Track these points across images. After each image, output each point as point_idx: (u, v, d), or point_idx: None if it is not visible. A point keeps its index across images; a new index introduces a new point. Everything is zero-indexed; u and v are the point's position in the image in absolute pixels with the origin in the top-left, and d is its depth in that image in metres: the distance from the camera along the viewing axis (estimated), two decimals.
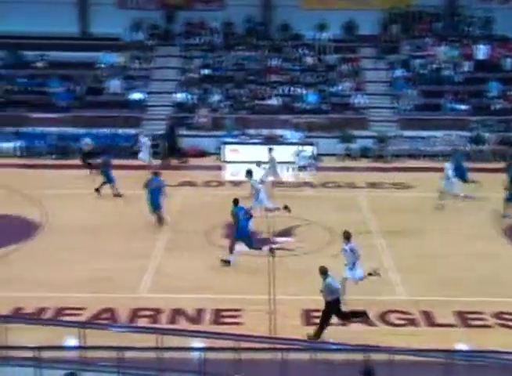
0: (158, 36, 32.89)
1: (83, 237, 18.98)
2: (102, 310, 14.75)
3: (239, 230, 17.33)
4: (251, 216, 17.82)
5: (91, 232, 19.40)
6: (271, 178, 23.14)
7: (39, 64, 31.43)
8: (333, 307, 13.40)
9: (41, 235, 19.34)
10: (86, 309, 14.73)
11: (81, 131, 27.93)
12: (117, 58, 31.53)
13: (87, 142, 25.62)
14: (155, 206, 19.78)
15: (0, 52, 31.78)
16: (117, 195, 22.37)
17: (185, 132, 28.66)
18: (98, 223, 20.12)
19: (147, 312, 14.76)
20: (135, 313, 14.69)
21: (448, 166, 22.04)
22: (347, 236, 15.15)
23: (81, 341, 12.04)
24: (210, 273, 16.76)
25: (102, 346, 11.39)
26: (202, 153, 28.09)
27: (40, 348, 10.77)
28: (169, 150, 27.46)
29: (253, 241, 17.58)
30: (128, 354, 11.24)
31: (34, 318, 13.96)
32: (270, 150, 24.05)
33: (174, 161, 27.09)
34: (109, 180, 22.42)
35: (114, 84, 30.36)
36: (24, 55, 31.72)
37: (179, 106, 29.94)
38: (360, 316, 13.93)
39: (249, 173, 20.95)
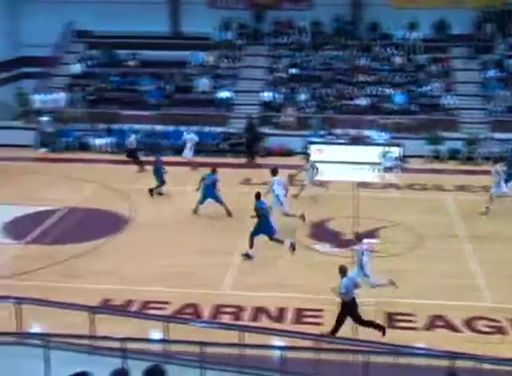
0: (247, 35, 33.15)
1: (169, 232, 19.37)
2: (185, 305, 15.02)
3: (262, 224, 17.61)
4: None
5: (177, 227, 19.76)
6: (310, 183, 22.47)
7: (131, 63, 32.24)
8: (349, 308, 13.20)
9: (130, 229, 19.84)
10: (171, 303, 15.03)
11: (170, 128, 28.48)
12: (207, 57, 31.99)
13: (131, 141, 25.97)
14: (206, 198, 20.40)
15: (94, 51, 32.79)
16: (160, 193, 22.58)
17: (271, 131, 28.77)
18: (183, 219, 20.46)
19: (229, 309, 14.91)
20: (218, 309, 14.88)
21: (499, 170, 21.18)
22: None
23: (165, 334, 12.30)
24: (293, 272, 16.77)
25: (185, 341, 11.58)
26: (288, 153, 28.12)
27: (126, 340, 11.05)
28: (248, 147, 27.64)
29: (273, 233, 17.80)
30: (210, 350, 11.40)
31: (122, 310, 14.34)
32: (308, 155, 23.27)
33: (251, 160, 27.28)
34: (159, 178, 22.59)
35: (203, 83, 30.79)
36: (117, 54, 32.60)
37: (266, 105, 30.09)
38: (377, 328, 13.41)
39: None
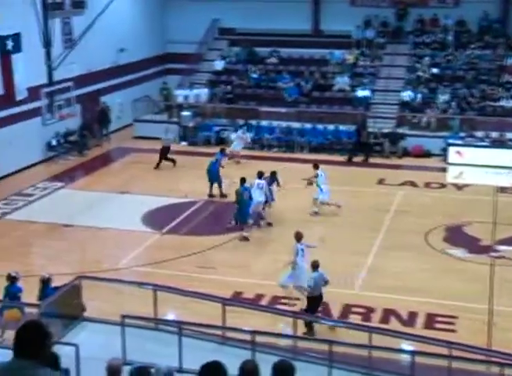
0: (388, 33, 32.65)
1: (300, 228, 19.40)
2: None
3: (243, 209, 18.65)
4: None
5: (307, 223, 19.82)
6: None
7: (271, 60, 32.66)
8: (315, 303, 13.59)
9: (263, 224, 20.08)
10: (300, 299, 15.10)
11: (307, 126, 28.60)
12: (346, 55, 31.83)
13: (168, 138, 26.26)
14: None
15: (235, 48, 33.49)
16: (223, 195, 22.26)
17: (409, 132, 28.21)
18: (315, 216, 20.48)
19: (359, 309, 14.81)
20: (347, 309, 14.81)
21: None
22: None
23: (293, 330, 12.41)
24: (425, 276, 16.40)
25: (314, 338, 11.64)
26: (426, 154, 27.48)
27: (256, 333, 11.25)
28: (355, 145, 27.24)
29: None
30: (338, 349, 11.39)
31: (252, 303, 14.60)
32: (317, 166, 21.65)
33: (359, 158, 26.85)
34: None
35: (342, 81, 30.67)
36: (257, 51, 33.12)
37: (405, 104, 29.52)
38: (310, 328, 13.37)
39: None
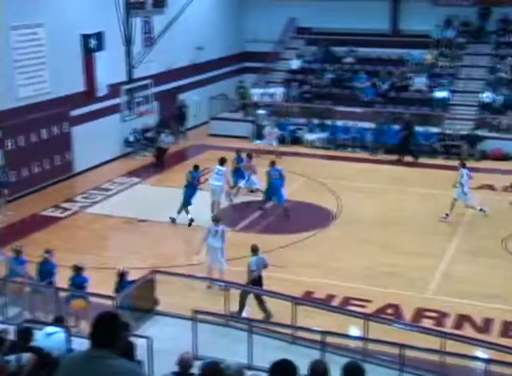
0: (470, 33, 31.89)
1: (373, 230, 19.29)
2: (387, 305, 14.89)
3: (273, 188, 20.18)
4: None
5: (381, 226, 19.64)
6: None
7: (347, 60, 32.43)
8: (257, 285, 13.99)
9: (335, 224, 20.02)
10: (372, 301, 14.99)
11: (383, 126, 28.26)
12: (425, 55, 31.29)
13: (166, 140, 26.48)
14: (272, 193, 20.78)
15: (313, 47, 33.39)
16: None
17: (488, 134, 27.51)
18: (389, 218, 20.25)
19: (432, 314, 14.57)
20: (420, 313, 14.59)
21: None
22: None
23: (364, 332, 12.30)
24: (502, 282, 15.99)
25: (385, 341, 11.51)
26: (505, 157, 26.75)
27: (326, 333, 11.20)
28: (401, 147, 26.71)
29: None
30: (409, 353, 11.23)
31: (323, 303, 14.54)
32: (463, 165, 20.97)
33: (407, 159, 26.31)
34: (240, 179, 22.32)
35: (419, 82, 30.17)
36: (334, 51, 32.93)
37: (485, 106, 28.81)
38: (265, 312, 13.76)
39: None
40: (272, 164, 21.02)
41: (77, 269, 13.59)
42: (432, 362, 11.64)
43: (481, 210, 20.15)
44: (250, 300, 13.93)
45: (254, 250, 14.58)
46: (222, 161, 20.69)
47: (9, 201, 20.96)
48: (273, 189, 20.54)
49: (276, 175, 20.54)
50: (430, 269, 16.77)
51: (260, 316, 13.66)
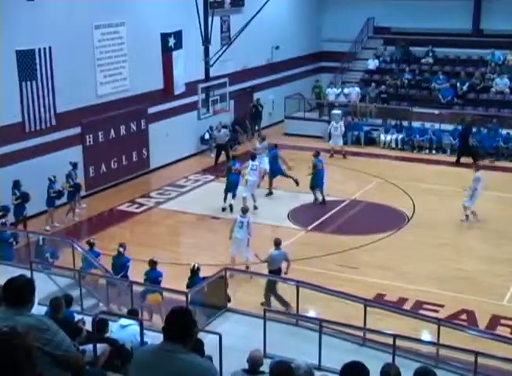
0: None
1: (446, 234, 18.91)
2: (460, 311, 14.59)
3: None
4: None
5: (455, 229, 19.26)
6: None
7: (426, 60, 31.87)
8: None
9: (408, 226, 19.73)
10: (444, 306, 14.72)
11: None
12: (508, 56, 30.41)
13: (218, 135, 26.12)
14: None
15: (390, 47, 32.97)
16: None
17: None
18: (477, 223, 19.78)
19: (508, 322, 14.19)
20: (495, 320, 14.24)
21: None
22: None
23: (436, 337, 12.08)
24: None
25: (458, 347, 11.27)
26: None
27: (398, 337, 11.05)
28: (461, 148, 26.10)
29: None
30: (483, 361, 10.96)
31: (395, 306, 14.34)
32: (477, 168, 20.48)
33: (467, 159, 25.47)
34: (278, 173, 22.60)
35: (501, 83, 29.38)
36: (412, 51, 32.43)
37: None
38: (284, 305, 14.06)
39: None
40: (317, 153, 21.86)
41: (153, 264, 13.84)
42: (507, 372, 11.34)
43: (467, 216, 19.62)
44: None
45: (277, 244, 14.82)
46: (253, 157, 21.68)
47: (83, 197, 21.49)
48: (319, 178, 21.34)
49: (320, 165, 21.42)
50: (508, 275, 16.32)
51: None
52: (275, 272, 14.72)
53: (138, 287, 13.64)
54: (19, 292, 4.85)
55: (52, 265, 15.17)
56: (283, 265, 14.83)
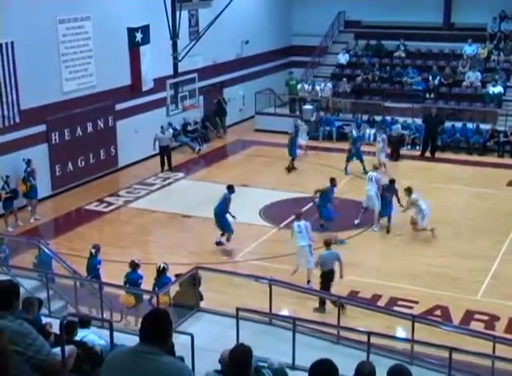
0: None
1: (423, 231, 18.74)
2: (435, 306, 14.47)
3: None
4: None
5: (428, 225, 19.10)
6: None
7: (397, 54, 31.74)
8: (326, 278, 14.23)
9: (381, 223, 19.48)
10: (419, 302, 14.58)
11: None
12: (479, 49, 30.39)
13: (160, 136, 24.61)
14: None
15: (361, 41, 32.76)
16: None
17: None
18: (437, 217, 19.60)
19: (481, 317, 14.08)
20: (469, 315, 14.11)
21: None
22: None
23: (410, 334, 11.90)
24: None
25: (433, 343, 11.10)
26: None
27: (371, 334, 10.83)
28: (426, 144, 26.29)
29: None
30: (457, 356, 10.80)
31: (369, 303, 14.17)
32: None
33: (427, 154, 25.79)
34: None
35: (472, 77, 29.34)
36: (384, 45, 32.28)
37: None
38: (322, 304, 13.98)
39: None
40: (332, 181, 19.25)
41: (134, 266, 13.49)
42: (482, 366, 11.21)
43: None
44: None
45: (327, 244, 14.60)
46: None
47: (49, 197, 21.03)
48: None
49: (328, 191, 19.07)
50: (481, 270, 16.24)
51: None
52: (328, 273, 14.34)
53: (109, 288, 13.31)
54: (4, 297, 4.78)
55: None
56: (336, 268, 14.49)
